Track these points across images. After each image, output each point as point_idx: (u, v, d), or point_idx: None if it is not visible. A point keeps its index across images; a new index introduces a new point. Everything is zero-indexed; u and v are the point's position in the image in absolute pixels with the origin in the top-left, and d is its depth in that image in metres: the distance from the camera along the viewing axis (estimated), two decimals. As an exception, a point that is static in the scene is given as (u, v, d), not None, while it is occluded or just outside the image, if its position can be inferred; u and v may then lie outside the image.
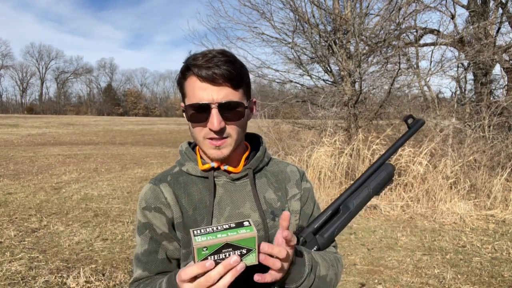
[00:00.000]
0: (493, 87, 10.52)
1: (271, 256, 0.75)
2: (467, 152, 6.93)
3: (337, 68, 8.88)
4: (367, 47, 8.63)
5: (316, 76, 9.44)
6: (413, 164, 6.39)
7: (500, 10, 10.01)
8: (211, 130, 0.90)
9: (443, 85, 21.95)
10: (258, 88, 11.30)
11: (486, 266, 3.91)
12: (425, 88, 10.63)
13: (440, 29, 9.87)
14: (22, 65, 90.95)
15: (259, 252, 0.74)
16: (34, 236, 4.59)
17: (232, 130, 0.92)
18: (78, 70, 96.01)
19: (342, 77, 8.72)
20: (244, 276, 0.75)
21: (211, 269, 0.69)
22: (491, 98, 9.91)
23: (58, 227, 4.94)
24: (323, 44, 8.75)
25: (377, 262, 4.02)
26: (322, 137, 7.89)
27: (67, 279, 3.42)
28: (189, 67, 0.90)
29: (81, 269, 3.60)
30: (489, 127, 8.10)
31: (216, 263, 0.70)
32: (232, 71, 0.88)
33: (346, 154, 7.00)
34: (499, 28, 10.03)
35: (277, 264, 0.75)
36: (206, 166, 0.98)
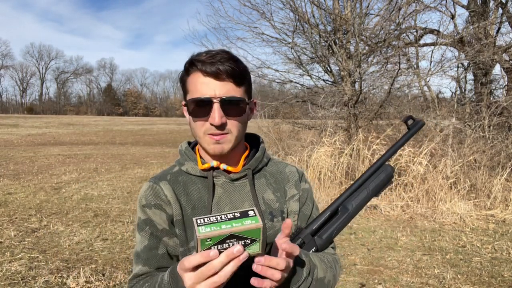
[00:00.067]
0: (493, 87, 10.53)
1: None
2: (467, 152, 6.93)
3: (337, 68, 8.88)
4: (367, 47, 8.63)
5: (316, 76, 9.45)
6: (413, 164, 6.39)
7: (500, 10, 10.01)
8: (212, 125, 0.90)
9: (443, 85, 21.97)
10: (258, 88, 11.30)
11: (486, 266, 3.91)
12: (425, 88, 10.63)
13: (440, 29, 9.88)
14: (22, 65, 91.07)
15: (265, 247, 0.72)
16: (34, 236, 4.59)
17: (232, 126, 0.93)
18: (78, 70, 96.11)
19: (342, 77, 8.72)
20: (243, 277, 0.75)
21: (214, 259, 0.68)
22: (491, 98, 9.91)
23: (58, 227, 4.94)
24: (323, 44, 8.75)
25: (377, 262, 4.02)
26: (322, 137, 7.89)
27: (67, 279, 3.42)
28: (193, 62, 0.92)
29: (81, 269, 3.60)
30: (489, 127, 8.10)
31: (220, 253, 0.69)
32: (235, 68, 0.90)
33: (346, 154, 7.00)
34: (499, 28, 10.03)
35: (276, 275, 0.74)
36: (206, 166, 0.98)
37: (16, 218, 5.34)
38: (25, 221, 5.21)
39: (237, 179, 1.00)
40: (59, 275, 3.50)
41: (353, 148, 7.10)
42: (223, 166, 0.98)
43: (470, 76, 10.76)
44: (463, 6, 10.01)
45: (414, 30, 9.85)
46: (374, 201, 6.04)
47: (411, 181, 6.33)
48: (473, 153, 7.00)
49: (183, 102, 0.99)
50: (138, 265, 0.97)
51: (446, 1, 9.63)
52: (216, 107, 0.89)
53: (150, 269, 0.96)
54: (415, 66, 9.87)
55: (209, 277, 0.69)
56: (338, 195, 0.96)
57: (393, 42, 8.52)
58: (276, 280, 0.74)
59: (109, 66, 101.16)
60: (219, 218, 0.70)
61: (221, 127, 0.91)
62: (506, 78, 10.13)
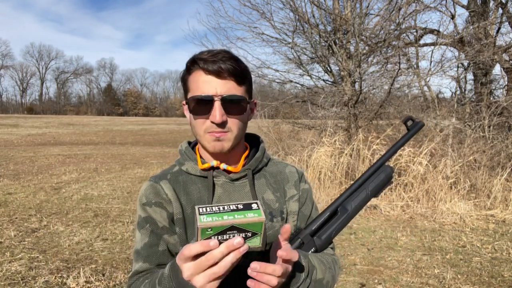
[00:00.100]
0: (493, 87, 10.53)
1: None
2: (467, 152, 6.93)
3: (337, 68, 8.88)
4: (367, 47, 8.63)
5: (316, 76, 9.45)
6: (413, 164, 6.39)
7: (500, 10, 10.01)
8: (213, 122, 0.91)
9: (443, 85, 21.97)
10: (258, 88, 11.30)
11: (486, 266, 3.91)
12: (425, 88, 10.63)
13: (440, 29, 9.88)
14: (22, 65, 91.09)
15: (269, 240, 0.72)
16: (34, 236, 4.59)
17: (233, 124, 0.93)
18: (78, 70, 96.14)
19: (342, 77, 8.72)
20: (240, 278, 0.75)
21: (213, 249, 0.67)
22: (491, 98, 9.91)
23: (58, 227, 4.94)
24: (323, 44, 8.75)
25: (377, 262, 4.02)
26: (322, 137, 7.89)
27: (67, 279, 3.42)
28: (195, 61, 0.92)
29: (81, 269, 3.60)
30: (489, 127, 8.10)
31: (220, 244, 0.67)
32: (236, 67, 0.91)
33: (346, 154, 7.00)
34: (499, 28, 10.03)
35: (272, 281, 0.74)
36: (206, 166, 0.98)
37: (16, 218, 5.34)
38: (25, 221, 5.21)
39: (237, 179, 1.00)
40: (59, 275, 3.50)
41: (353, 148, 7.10)
42: (223, 166, 0.98)
43: (470, 76, 10.77)
44: (463, 6, 10.02)
45: (414, 30, 9.86)
46: (374, 201, 6.04)
47: (411, 181, 6.33)
48: (473, 153, 7.00)
49: (184, 101, 0.99)
50: (138, 262, 0.95)
51: (446, 1, 9.64)
52: (217, 105, 0.90)
53: (151, 266, 0.94)
54: (415, 66, 9.87)
55: (208, 268, 0.67)
56: (338, 196, 0.96)
57: (393, 42, 8.52)
58: (273, 286, 0.74)
59: (109, 66, 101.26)
60: (221, 208, 0.70)
61: (222, 125, 0.91)
62: (506, 78, 10.13)
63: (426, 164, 6.35)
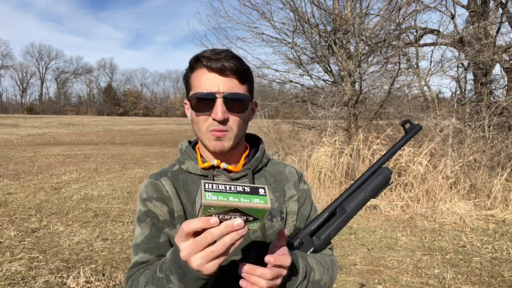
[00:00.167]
0: (493, 87, 10.53)
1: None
2: (467, 152, 6.93)
3: (337, 68, 8.88)
4: (367, 47, 8.63)
5: (316, 76, 9.45)
6: (413, 164, 6.39)
7: (500, 10, 10.01)
8: (214, 120, 0.91)
9: (443, 85, 21.97)
10: (258, 88, 11.31)
11: (486, 266, 3.91)
12: (425, 88, 10.63)
13: (440, 29, 9.88)
14: (22, 65, 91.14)
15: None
16: (34, 236, 4.59)
17: (234, 123, 0.93)
18: (78, 70, 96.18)
19: (342, 77, 8.72)
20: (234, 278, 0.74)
21: (213, 227, 0.65)
22: (491, 98, 9.91)
23: (58, 227, 4.94)
24: (323, 44, 8.75)
25: (377, 262, 4.02)
26: (322, 137, 7.89)
27: (67, 279, 3.42)
28: (198, 59, 0.93)
29: (81, 269, 3.60)
30: (489, 127, 8.10)
31: (220, 223, 0.65)
32: (239, 65, 0.92)
33: (346, 154, 7.00)
34: (499, 28, 10.04)
35: (261, 283, 0.74)
36: (206, 165, 0.98)
37: (16, 218, 5.34)
38: (25, 221, 5.21)
39: (237, 179, 1.00)
40: (59, 275, 3.50)
41: (353, 148, 7.10)
42: (223, 165, 0.98)
43: (470, 76, 10.77)
44: (463, 6, 10.02)
45: (414, 30, 9.86)
46: (374, 201, 6.04)
47: (411, 181, 6.33)
48: (473, 153, 7.00)
49: (185, 100, 1.00)
50: (138, 253, 0.93)
51: (446, 1, 9.64)
52: (219, 102, 0.90)
53: (151, 256, 0.92)
54: (415, 66, 9.87)
55: (206, 247, 0.65)
56: (337, 196, 0.97)
57: (393, 42, 8.52)
58: (262, 287, 0.74)
59: (109, 66, 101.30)
60: (227, 188, 0.67)
61: (223, 122, 0.91)
62: (506, 78, 10.13)
63: (426, 164, 6.35)
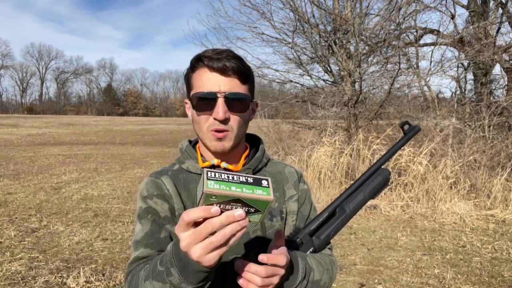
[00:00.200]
0: (493, 87, 10.53)
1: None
2: (467, 152, 6.94)
3: (337, 68, 8.88)
4: (367, 47, 8.63)
5: (316, 76, 9.45)
6: (413, 164, 6.39)
7: (500, 10, 10.01)
8: (215, 119, 0.91)
9: (443, 85, 21.98)
10: (258, 88, 11.31)
11: (486, 266, 3.91)
12: (425, 88, 10.63)
13: (440, 29, 9.88)
14: (22, 65, 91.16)
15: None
16: (34, 236, 4.59)
17: (235, 123, 0.93)
18: (78, 70, 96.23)
19: (342, 77, 8.72)
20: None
21: (214, 216, 0.63)
22: (491, 98, 9.91)
23: (58, 227, 4.94)
24: (323, 44, 8.75)
25: (377, 262, 4.02)
26: (322, 137, 7.89)
27: (67, 279, 3.42)
28: (200, 58, 0.93)
29: (81, 269, 3.60)
30: (489, 127, 8.10)
31: (221, 213, 0.64)
32: (240, 65, 0.92)
33: (346, 154, 7.00)
34: (499, 28, 10.04)
35: (255, 280, 0.74)
36: (207, 164, 0.98)
37: (16, 218, 5.34)
38: (25, 221, 5.21)
39: None
40: (59, 275, 3.50)
41: (353, 148, 7.10)
42: (223, 164, 0.98)
43: (470, 76, 10.77)
44: (463, 6, 10.02)
45: (414, 30, 9.86)
46: (374, 201, 6.04)
47: (411, 181, 6.33)
48: (473, 153, 7.00)
49: (186, 100, 1.00)
50: (139, 248, 0.91)
51: (446, 1, 9.64)
52: (221, 102, 0.90)
53: (152, 251, 0.91)
54: (415, 66, 9.87)
55: (206, 238, 0.64)
56: (337, 197, 0.99)
57: (393, 42, 8.52)
58: (258, 285, 0.74)
59: (109, 66, 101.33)
60: (230, 177, 0.66)
61: (224, 122, 0.92)
62: (506, 78, 10.13)
63: (426, 164, 6.35)
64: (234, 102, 0.92)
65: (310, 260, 0.89)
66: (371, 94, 8.93)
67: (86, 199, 6.56)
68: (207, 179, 0.64)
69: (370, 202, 5.89)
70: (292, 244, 0.91)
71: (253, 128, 9.56)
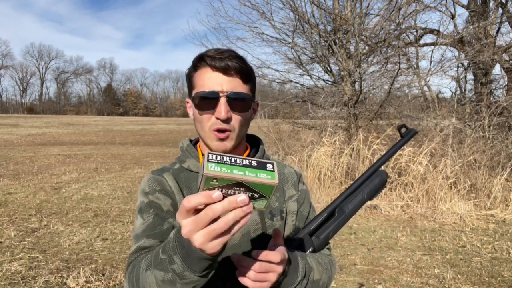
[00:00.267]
0: (493, 87, 10.53)
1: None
2: (467, 152, 6.94)
3: (337, 68, 8.88)
4: (367, 47, 8.63)
5: (316, 76, 9.45)
6: (413, 164, 6.39)
7: (500, 10, 10.01)
8: (218, 118, 0.91)
9: (443, 85, 22.00)
10: (258, 88, 11.28)
11: (486, 266, 3.91)
12: (425, 88, 10.63)
13: (440, 29, 9.88)
14: (22, 65, 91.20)
15: None
16: (34, 236, 4.59)
17: (236, 123, 0.94)
18: (78, 70, 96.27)
19: (342, 77, 8.72)
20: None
21: (216, 202, 0.60)
22: (491, 98, 9.91)
23: (58, 227, 4.94)
24: (323, 44, 8.75)
25: (377, 262, 4.02)
26: (322, 137, 7.90)
27: (67, 279, 3.42)
28: (202, 58, 0.93)
29: (81, 269, 3.60)
30: (489, 127, 8.10)
31: (224, 198, 0.61)
32: (242, 65, 0.92)
33: (346, 154, 7.00)
34: (499, 28, 10.04)
35: (248, 273, 0.76)
36: None
37: (16, 218, 5.34)
38: (25, 221, 5.21)
39: None
40: (59, 275, 3.50)
41: (353, 148, 7.10)
42: None
43: (470, 76, 10.78)
44: (463, 6, 10.02)
45: (414, 30, 9.86)
46: (374, 201, 6.04)
47: (411, 181, 6.33)
48: (473, 153, 7.00)
49: (187, 99, 1.00)
50: (141, 239, 0.89)
51: (446, 1, 9.64)
52: (223, 101, 0.91)
53: (155, 241, 0.88)
54: (415, 66, 9.87)
55: (208, 224, 0.60)
56: (336, 197, 1.01)
57: (393, 42, 8.52)
58: (250, 278, 0.76)
59: (109, 66, 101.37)
60: (233, 160, 0.62)
61: (227, 121, 0.92)
62: (506, 78, 10.14)
63: (426, 164, 6.35)
64: (236, 102, 0.92)
65: (310, 259, 0.90)
66: (371, 94, 8.93)
67: (86, 199, 6.56)
68: (208, 161, 0.60)
69: (370, 202, 5.89)
70: (292, 244, 0.92)
71: (253, 128, 9.56)
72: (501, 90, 10.55)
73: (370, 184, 1.01)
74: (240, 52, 0.98)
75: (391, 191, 6.37)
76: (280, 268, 0.78)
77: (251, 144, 1.09)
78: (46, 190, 7.20)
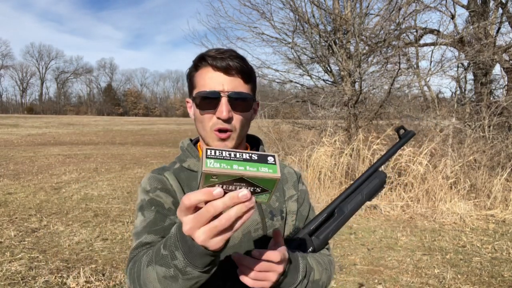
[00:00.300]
0: (493, 87, 10.53)
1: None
2: (467, 152, 6.93)
3: (337, 68, 8.88)
4: (367, 47, 8.64)
5: (316, 76, 9.45)
6: (413, 164, 6.39)
7: (500, 10, 10.01)
8: (219, 118, 0.91)
9: (443, 85, 22.00)
10: (258, 88, 11.24)
11: (486, 266, 3.91)
12: (425, 88, 10.63)
13: (440, 29, 9.88)
14: (22, 65, 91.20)
15: None
16: (34, 236, 4.59)
17: (237, 122, 0.94)
18: (78, 70, 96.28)
19: (342, 77, 8.72)
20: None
21: (217, 199, 0.58)
22: (491, 98, 9.91)
23: (58, 227, 4.94)
24: (323, 44, 8.75)
25: (377, 262, 4.02)
26: (322, 137, 7.90)
27: (67, 279, 3.42)
28: (203, 57, 0.93)
29: (81, 269, 3.60)
30: (489, 127, 8.10)
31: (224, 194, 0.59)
32: (244, 65, 0.93)
33: (346, 154, 7.00)
34: (499, 28, 10.04)
35: (246, 272, 0.77)
36: None
37: (16, 218, 5.34)
38: (25, 221, 5.21)
39: None
40: (59, 275, 3.50)
41: (353, 148, 7.10)
42: None
43: (470, 76, 10.78)
44: (463, 6, 10.02)
45: (414, 30, 9.86)
46: (374, 201, 6.04)
47: (411, 181, 6.33)
48: (473, 153, 7.00)
49: (188, 99, 1.00)
50: (142, 235, 0.88)
51: (446, 1, 9.64)
52: (224, 101, 0.91)
53: (156, 237, 0.87)
54: (415, 66, 9.87)
55: (209, 221, 0.59)
56: (335, 198, 1.02)
57: (393, 42, 8.52)
58: (250, 277, 0.76)
59: (109, 66, 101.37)
60: (233, 155, 0.59)
61: (228, 121, 0.92)
62: (506, 78, 10.14)
63: (426, 164, 6.35)
64: (237, 102, 0.92)
65: (310, 259, 0.90)
66: (371, 94, 8.93)
67: (86, 199, 6.56)
68: (206, 157, 0.58)
69: (370, 202, 5.89)
70: (292, 244, 0.92)
71: (253, 128, 9.53)
72: (501, 90, 10.56)
73: (369, 184, 1.01)
74: (240, 52, 0.98)
75: (391, 191, 6.37)
76: (280, 268, 0.78)
77: (251, 144, 1.10)
78: (46, 190, 7.20)
